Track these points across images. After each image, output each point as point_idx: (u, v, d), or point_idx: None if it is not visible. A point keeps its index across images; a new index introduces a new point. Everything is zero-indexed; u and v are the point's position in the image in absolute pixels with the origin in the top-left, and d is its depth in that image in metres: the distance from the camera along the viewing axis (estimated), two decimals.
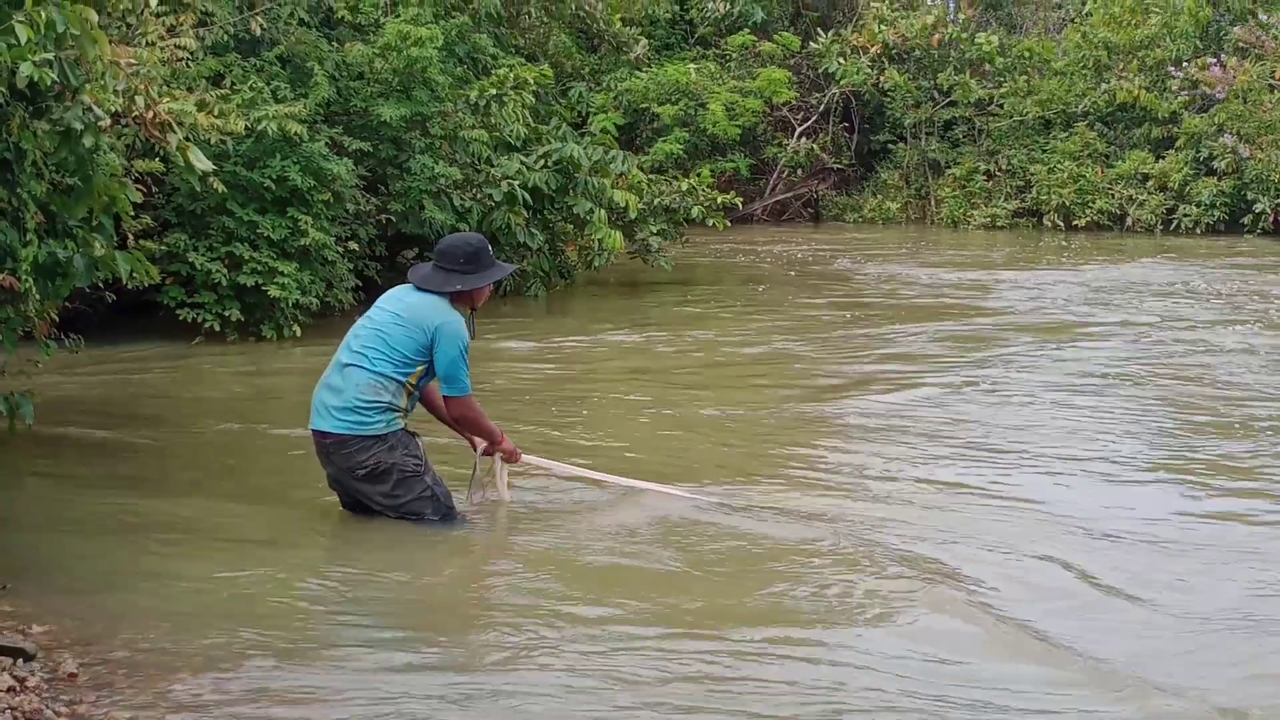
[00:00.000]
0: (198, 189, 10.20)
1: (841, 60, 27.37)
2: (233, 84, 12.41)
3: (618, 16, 23.51)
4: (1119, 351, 11.93)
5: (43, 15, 5.78)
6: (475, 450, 6.86)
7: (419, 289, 6.49)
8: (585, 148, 15.72)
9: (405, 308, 6.41)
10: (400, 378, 6.33)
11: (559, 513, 7.01)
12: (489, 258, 6.60)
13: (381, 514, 6.47)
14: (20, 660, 4.70)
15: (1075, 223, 25.59)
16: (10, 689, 4.43)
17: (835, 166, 28.94)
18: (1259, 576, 5.98)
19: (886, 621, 5.42)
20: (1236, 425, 8.97)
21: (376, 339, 6.35)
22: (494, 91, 14.98)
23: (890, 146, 29.19)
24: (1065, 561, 6.10)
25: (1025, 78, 27.45)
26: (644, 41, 24.02)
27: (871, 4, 28.85)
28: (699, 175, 18.51)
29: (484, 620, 5.54)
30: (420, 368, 6.36)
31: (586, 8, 21.12)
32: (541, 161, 15.20)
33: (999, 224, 26.38)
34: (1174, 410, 9.55)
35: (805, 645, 5.15)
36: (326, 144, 12.73)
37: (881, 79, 27.67)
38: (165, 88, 8.23)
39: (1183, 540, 6.49)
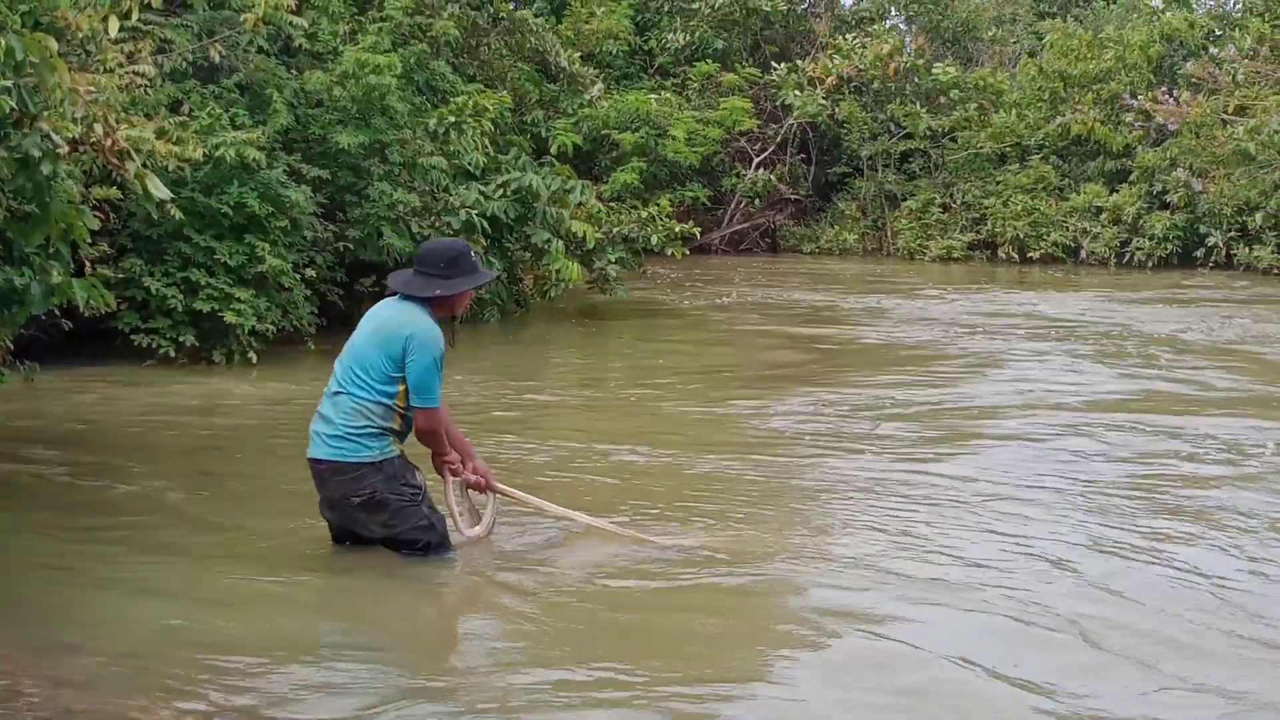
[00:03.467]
0: (155, 216, 10.19)
1: (798, 92, 27.55)
2: (191, 111, 12.40)
3: (575, 55, 23.62)
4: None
5: (2, 43, 5.79)
6: (447, 477, 6.63)
7: (400, 297, 6.38)
8: (544, 177, 15.78)
9: (380, 324, 6.31)
10: (385, 400, 6.21)
11: (538, 553, 6.81)
12: (470, 263, 6.46)
13: (370, 543, 6.38)
14: None
15: (1030, 255, 25.83)
16: None
17: (793, 197, 29.11)
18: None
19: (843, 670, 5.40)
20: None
21: (356, 363, 6.25)
22: (453, 119, 15.02)
23: (847, 178, 29.42)
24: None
25: (978, 108, 27.72)
26: (599, 86, 24.13)
27: (833, 40, 29.12)
28: (658, 204, 18.60)
29: (463, 661, 5.52)
30: (403, 386, 6.23)
31: (543, 46, 21.24)
32: (500, 191, 15.24)
33: (955, 256, 26.60)
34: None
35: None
36: (285, 171, 12.73)
37: (837, 111, 27.90)
38: (124, 114, 8.22)
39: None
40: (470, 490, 6.74)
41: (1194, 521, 7.40)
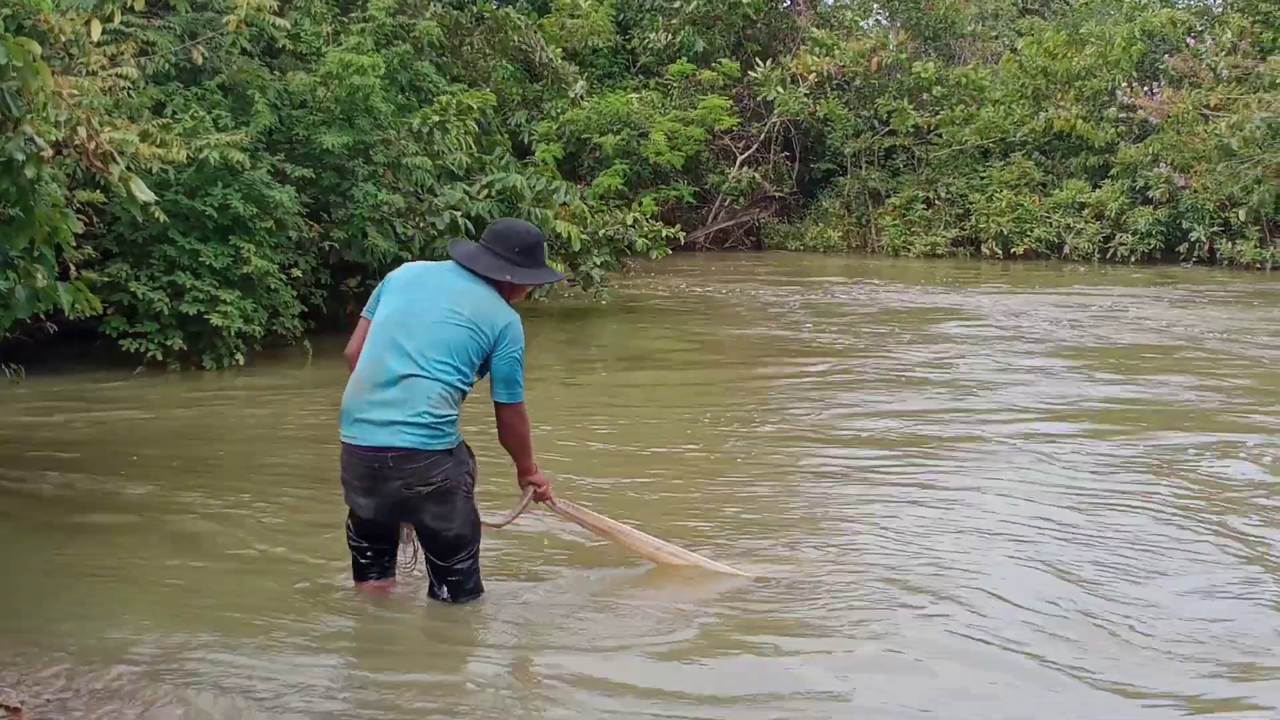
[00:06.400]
0: (139, 219, 10.15)
1: (780, 89, 27.58)
2: (174, 113, 12.36)
3: (559, 51, 23.64)
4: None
5: None
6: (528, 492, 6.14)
7: (467, 272, 5.77)
8: (528, 178, 15.78)
9: (462, 304, 5.66)
10: (467, 385, 5.66)
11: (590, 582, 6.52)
12: (543, 256, 5.97)
13: (381, 548, 5.95)
14: None
15: (1014, 251, 25.90)
16: None
17: (777, 195, 29.13)
18: None
19: None
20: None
21: (438, 344, 5.59)
22: (436, 119, 15.01)
23: (831, 175, 29.45)
24: None
25: (962, 105, 27.78)
26: (582, 83, 24.16)
27: (811, 31, 29.16)
28: (641, 205, 18.55)
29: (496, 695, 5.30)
30: (479, 375, 5.73)
31: (527, 43, 21.25)
32: (485, 191, 15.24)
33: (939, 252, 26.66)
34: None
35: None
36: (269, 171, 12.70)
37: (817, 108, 27.94)
38: (107, 117, 8.20)
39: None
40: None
41: None
